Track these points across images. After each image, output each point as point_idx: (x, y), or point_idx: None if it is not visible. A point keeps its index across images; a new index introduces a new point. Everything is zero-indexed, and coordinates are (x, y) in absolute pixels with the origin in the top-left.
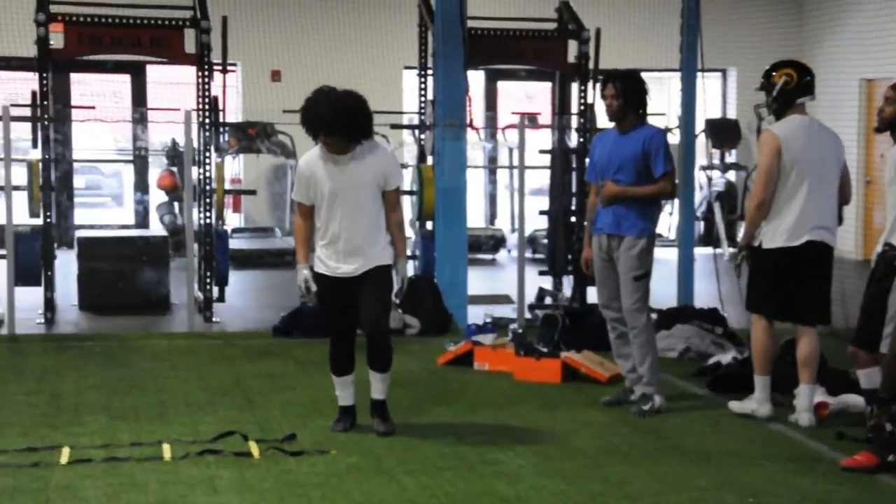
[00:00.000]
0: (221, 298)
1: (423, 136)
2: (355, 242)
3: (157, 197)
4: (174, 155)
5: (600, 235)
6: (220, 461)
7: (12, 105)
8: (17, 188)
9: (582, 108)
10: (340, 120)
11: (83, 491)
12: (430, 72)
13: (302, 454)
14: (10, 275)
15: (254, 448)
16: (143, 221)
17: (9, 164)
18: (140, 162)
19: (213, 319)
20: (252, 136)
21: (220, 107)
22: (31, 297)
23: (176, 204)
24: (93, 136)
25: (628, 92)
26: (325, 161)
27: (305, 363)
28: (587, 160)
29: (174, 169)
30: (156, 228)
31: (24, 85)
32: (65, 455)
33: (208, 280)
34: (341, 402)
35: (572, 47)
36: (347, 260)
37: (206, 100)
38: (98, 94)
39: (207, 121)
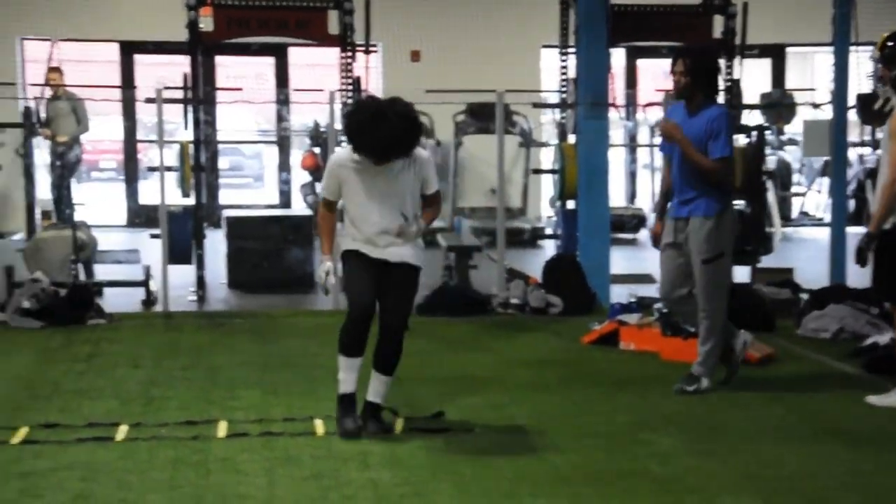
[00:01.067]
0: None
1: (563, 115)
2: (390, 240)
3: (299, 177)
4: (316, 136)
5: (673, 220)
6: (370, 437)
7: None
8: (168, 169)
9: (728, 84)
10: (396, 146)
11: (241, 464)
12: (571, 50)
13: (448, 431)
14: (164, 253)
15: (400, 425)
16: (285, 201)
17: (162, 146)
18: (283, 143)
19: None
20: None
21: (363, 87)
22: (182, 276)
23: (318, 184)
24: (235, 118)
25: (698, 70)
26: (362, 167)
27: (450, 341)
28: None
29: (316, 150)
30: (298, 208)
31: (168, 69)
32: (222, 429)
33: None
34: (345, 387)
35: (717, 22)
36: (381, 252)
37: (349, 80)
38: (241, 77)
39: (350, 101)
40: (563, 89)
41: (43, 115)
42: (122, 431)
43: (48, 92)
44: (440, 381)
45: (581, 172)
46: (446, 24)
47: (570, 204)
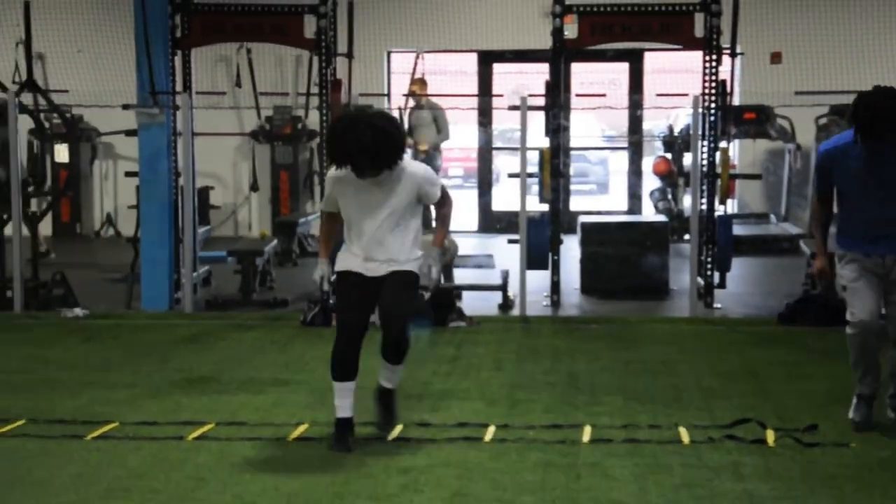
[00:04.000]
0: (722, 284)
1: None
2: (387, 256)
3: (648, 183)
4: (670, 141)
5: None
6: (740, 448)
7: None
8: (530, 175)
9: None
10: (368, 157)
11: (610, 469)
12: None
13: (818, 445)
14: (522, 258)
15: (770, 436)
16: (634, 207)
17: (524, 153)
18: (635, 148)
19: (714, 305)
20: (749, 121)
21: (728, 90)
22: (536, 280)
23: (669, 190)
24: (581, 125)
25: None
26: (355, 183)
27: (817, 352)
28: None
29: (668, 155)
30: (648, 214)
31: (518, 77)
32: (587, 433)
33: (709, 266)
34: (340, 413)
35: None
36: (376, 268)
37: (713, 84)
38: (594, 83)
39: (713, 105)
40: None
41: (406, 124)
42: (490, 432)
43: (411, 102)
44: (810, 392)
45: None
46: (811, 25)
47: None
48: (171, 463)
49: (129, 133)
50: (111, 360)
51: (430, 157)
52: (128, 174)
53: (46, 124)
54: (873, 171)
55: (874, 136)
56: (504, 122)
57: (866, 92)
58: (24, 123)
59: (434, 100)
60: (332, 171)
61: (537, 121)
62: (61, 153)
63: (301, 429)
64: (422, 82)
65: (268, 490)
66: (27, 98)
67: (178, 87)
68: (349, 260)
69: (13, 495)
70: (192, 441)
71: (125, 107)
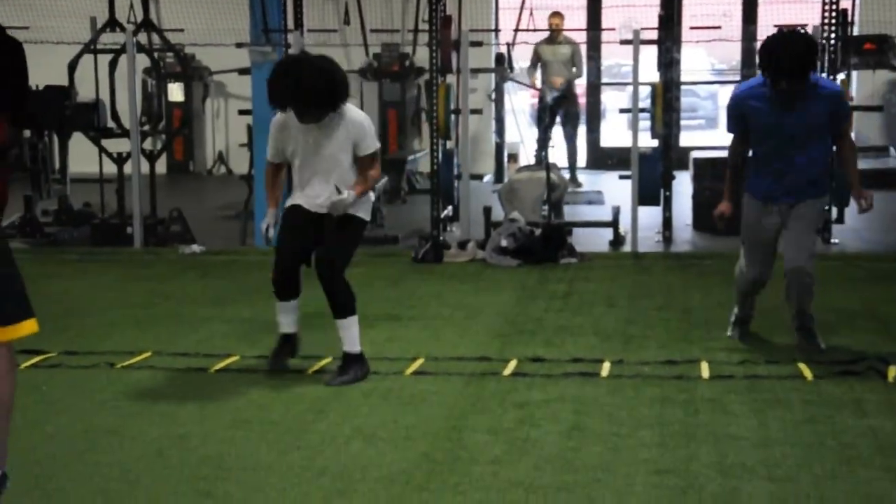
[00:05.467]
0: (841, 219)
1: None
2: (328, 197)
3: None
4: None
5: None
6: (862, 383)
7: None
8: (642, 111)
9: None
10: (307, 96)
11: (729, 405)
12: None
13: None
14: (633, 195)
15: (892, 372)
16: None
17: (636, 88)
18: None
19: (832, 241)
20: (868, 51)
21: (850, 20)
22: (648, 217)
23: None
24: (691, 59)
25: None
26: (298, 127)
27: None
28: None
29: None
30: None
31: (629, 11)
32: (704, 369)
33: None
34: (283, 329)
35: None
36: (321, 204)
37: (833, 13)
38: (707, 15)
39: (833, 36)
40: None
41: (515, 62)
42: (605, 368)
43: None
44: None
45: None
46: None
47: None
48: (290, 396)
49: (242, 71)
50: (228, 295)
51: (567, 94)
52: (241, 112)
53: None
54: (782, 117)
55: (782, 79)
56: (610, 57)
57: (772, 35)
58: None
59: (571, 35)
60: (275, 118)
61: (646, 55)
62: (175, 92)
63: (416, 363)
64: (560, 15)
65: (386, 423)
66: (143, 37)
67: (290, 26)
68: (296, 197)
69: (140, 424)
70: (310, 374)
71: (239, 45)
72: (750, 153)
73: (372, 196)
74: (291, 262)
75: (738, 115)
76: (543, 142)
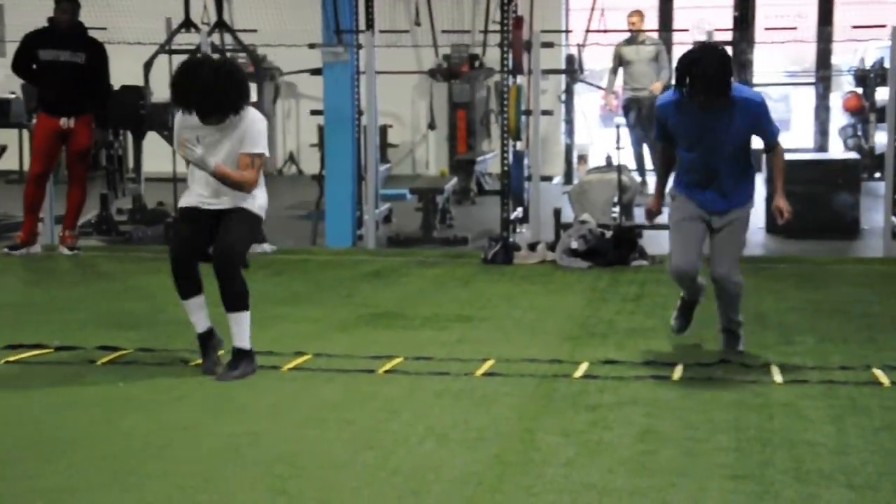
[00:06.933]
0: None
1: None
2: (225, 196)
3: (837, 119)
4: (862, 75)
5: None
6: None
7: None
8: None
9: None
10: (208, 100)
11: (805, 410)
12: None
13: None
14: None
15: None
16: (823, 144)
17: None
18: (824, 83)
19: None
20: None
21: None
22: None
23: (860, 126)
24: (764, 60)
25: None
26: (199, 129)
27: None
28: None
29: (860, 90)
30: (835, 152)
31: (700, 12)
32: (778, 374)
33: None
34: (197, 328)
35: None
36: (213, 203)
37: None
38: (781, 16)
39: None
40: None
41: (586, 63)
42: (678, 371)
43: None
44: None
45: None
46: None
47: None
48: (363, 395)
49: (314, 72)
50: (299, 295)
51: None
52: (313, 112)
53: None
54: (702, 128)
55: (698, 96)
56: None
57: (690, 51)
58: None
59: (655, 35)
60: (178, 117)
61: None
62: None
63: (487, 364)
64: (639, 14)
65: (458, 423)
66: (216, 38)
67: (361, 26)
68: (188, 197)
69: (215, 421)
70: (382, 374)
71: (311, 46)
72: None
73: (262, 200)
74: (186, 253)
75: (660, 124)
76: (641, 157)
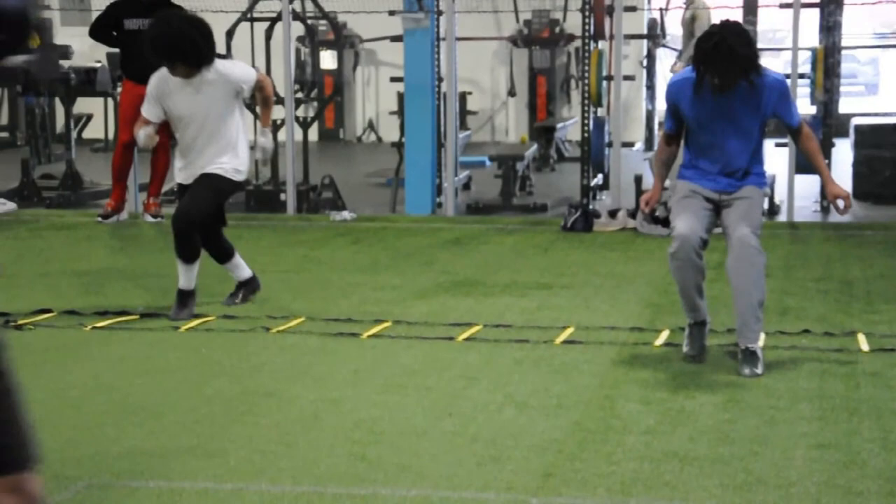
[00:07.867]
0: None
1: None
2: (207, 159)
3: None
4: None
5: None
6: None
7: None
8: (801, 76)
9: None
10: (178, 49)
11: (892, 380)
12: None
13: None
14: (790, 162)
15: None
16: None
17: (796, 53)
18: None
19: None
20: None
21: None
22: (806, 186)
23: None
24: (852, 22)
25: None
26: (175, 84)
27: None
28: None
29: None
30: None
31: None
32: (863, 342)
33: None
34: (180, 286)
35: None
36: (194, 171)
37: None
38: None
39: None
40: None
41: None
42: (761, 339)
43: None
44: None
45: None
46: None
47: None
48: (442, 362)
49: (395, 39)
50: (378, 262)
51: None
52: (393, 79)
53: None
54: (720, 109)
55: (721, 77)
56: (764, 21)
57: (709, 30)
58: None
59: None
60: (155, 76)
61: (804, 19)
62: (327, 60)
63: (567, 332)
64: None
65: (538, 391)
66: (297, 5)
67: None
68: (178, 173)
69: (296, 388)
70: (461, 342)
71: (391, 13)
72: (684, 148)
73: (237, 162)
74: (184, 222)
75: (672, 107)
76: None
